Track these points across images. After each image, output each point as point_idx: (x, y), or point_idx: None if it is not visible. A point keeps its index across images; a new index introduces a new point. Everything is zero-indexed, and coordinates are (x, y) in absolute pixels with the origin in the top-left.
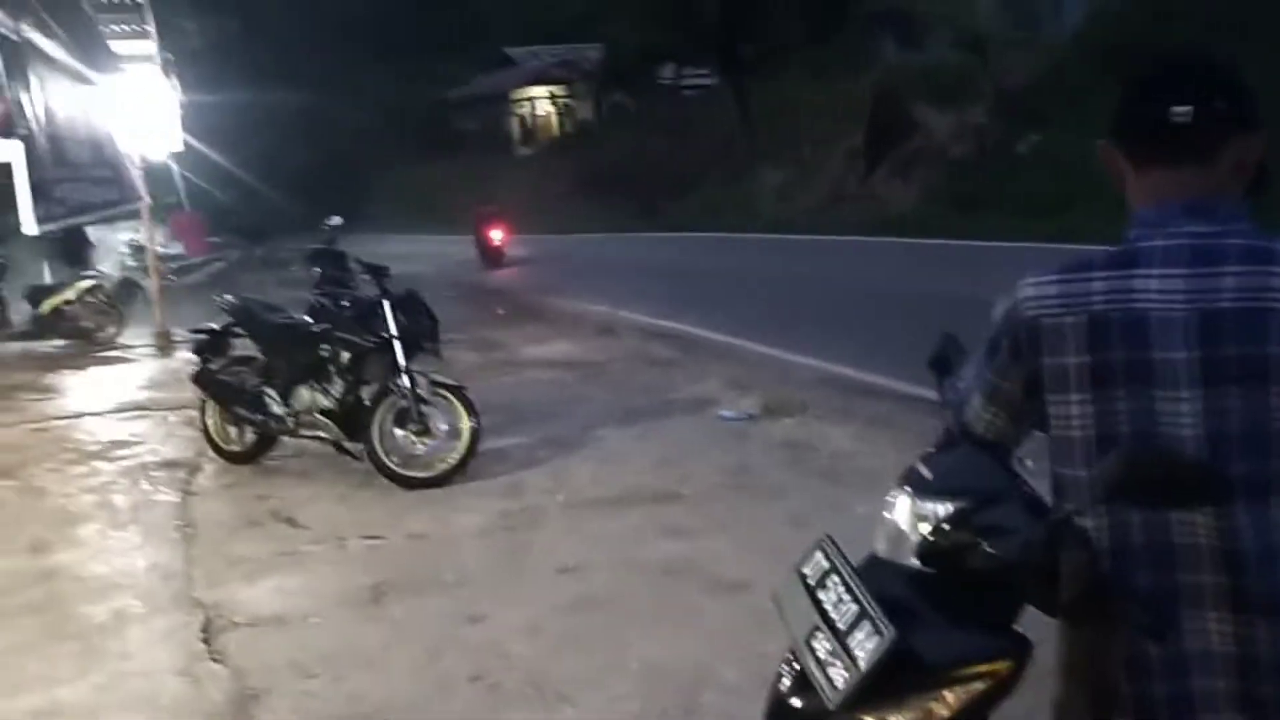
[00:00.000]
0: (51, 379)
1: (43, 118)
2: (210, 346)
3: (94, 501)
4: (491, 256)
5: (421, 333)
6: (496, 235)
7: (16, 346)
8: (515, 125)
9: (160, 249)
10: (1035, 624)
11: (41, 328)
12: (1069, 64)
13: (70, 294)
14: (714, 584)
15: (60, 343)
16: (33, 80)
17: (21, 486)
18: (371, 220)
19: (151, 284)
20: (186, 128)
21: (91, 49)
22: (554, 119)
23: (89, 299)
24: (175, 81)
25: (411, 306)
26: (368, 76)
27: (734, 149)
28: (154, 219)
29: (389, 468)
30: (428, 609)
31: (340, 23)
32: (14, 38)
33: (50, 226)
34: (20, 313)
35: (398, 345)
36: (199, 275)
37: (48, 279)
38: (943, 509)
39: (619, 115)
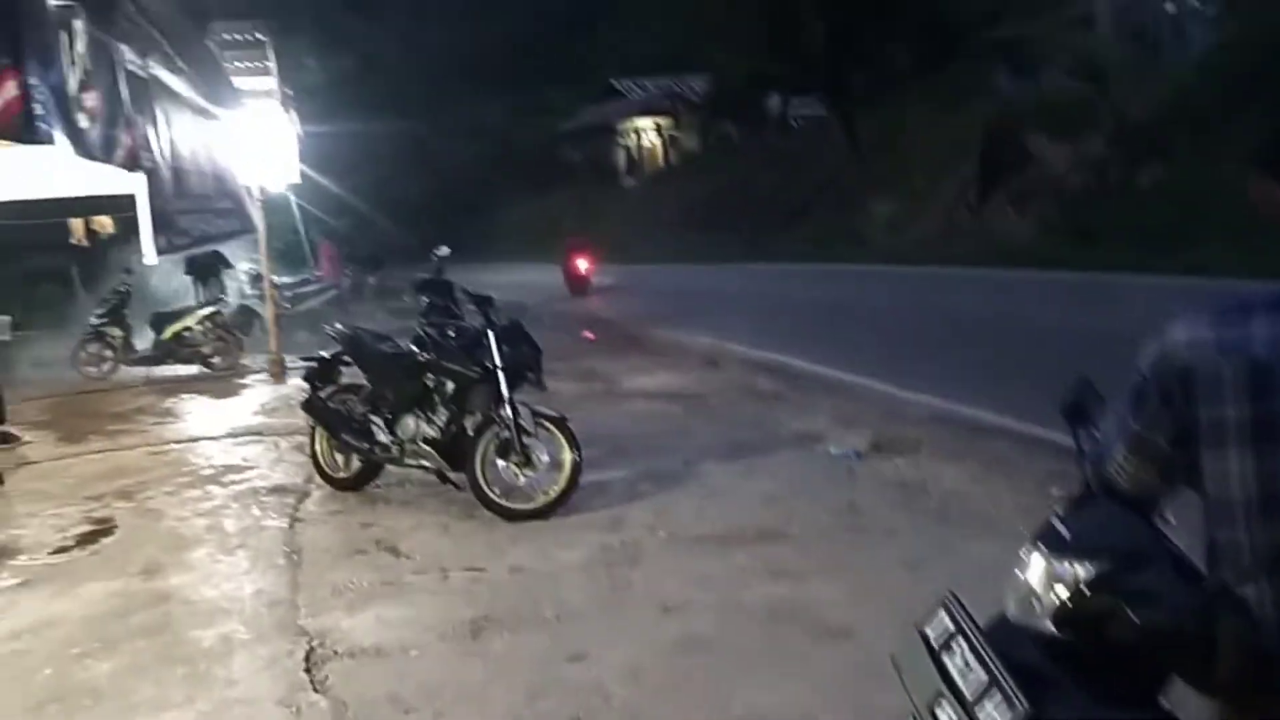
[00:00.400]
0: (171, 403)
1: (167, 151)
2: (320, 374)
3: (206, 525)
4: (577, 284)
5: (525, 363)
6: (582, 264)
7: (140, 371)
8: (621, 156)
9: (275, 278)
10: (1186, 701)
11: (163, 353)
12: (1193, 92)
13: (191, 321)
14: (821, 629)
15: (181, 368)
16: (158, 114)
17: (138, 509)
18: (479, 250)
19: (267, 312)
20: (304, 159)
21: (216, 84)
22: (660, 150)
23: (208, 326)
24: (294, 116)
25: (515, 337)
26: (478, 109)
27: (842, 179)
28: (271, 249)
29: (490, 499)
30: (528, 645)
31: (452, 58)
32: (141, 74)
33: (172, 256)
34: (144, 338)
35: (501, 376)
36: (313, 303)
37: (192, 300)
38: (1082, 571)
39: (725, 146)
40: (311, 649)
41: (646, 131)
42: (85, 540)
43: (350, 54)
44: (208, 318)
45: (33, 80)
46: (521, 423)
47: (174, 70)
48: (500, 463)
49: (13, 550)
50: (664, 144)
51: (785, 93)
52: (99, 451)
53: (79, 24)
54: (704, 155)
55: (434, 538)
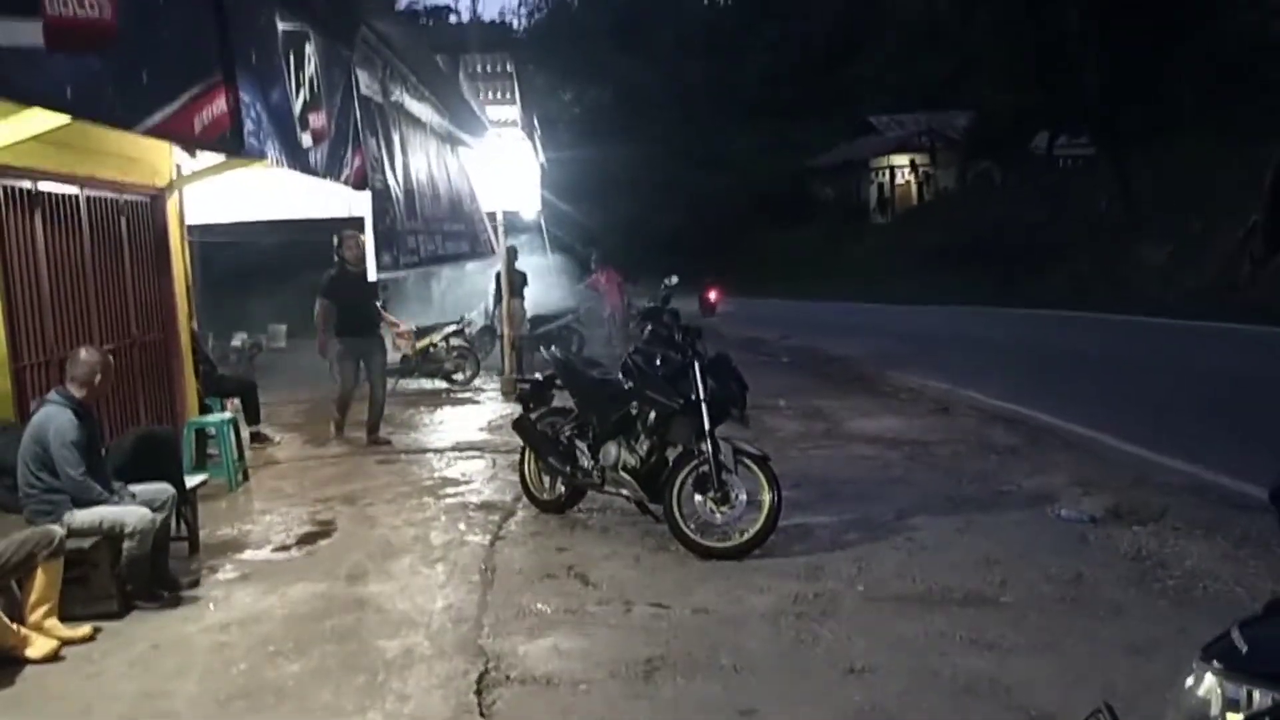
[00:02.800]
0: (410, 414)
1: (400, 173)
2: (534, 396)
3: (414, 535)
4: (706, 309)
5: (730, 398)
6: (712, 295)
7: (389, 383)
8: (873, 193)
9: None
10: None
11: (410, 365)
12: None
13: (436, 337)
14: (1023, 712)
15: (425, 381)
16: (395, 138)
17: (357, 514)
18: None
19: (507, 332)
20: (558, 187)
21: (460, 111)
22: (914, 187)
23: (451, 343)
24: (538, 145)
25: (721, 371)
26: (732, 142)
27: (1109, 222)
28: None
29: (684, 533)
30: (699, 693)
31: (709, 90)
32: (378, 99)
33: (399, 273)
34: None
35: (704, 408)
36: (552, 326)
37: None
38: (1261, 696)
39: (984, 184)
40: (485, 671)
41: (901, 168)
42: (305, 540)
43: (611, 85)
44: (452, 334)
45: (246, 98)
46: (721, 458)
47: (418, 97)
48: (698, 497)
49: (241, 544)
50: (919, 181)
51: (1054, 130)
52: (336, 456)
53: (310, 48)
54: (961, 193)
55: (624, 568)
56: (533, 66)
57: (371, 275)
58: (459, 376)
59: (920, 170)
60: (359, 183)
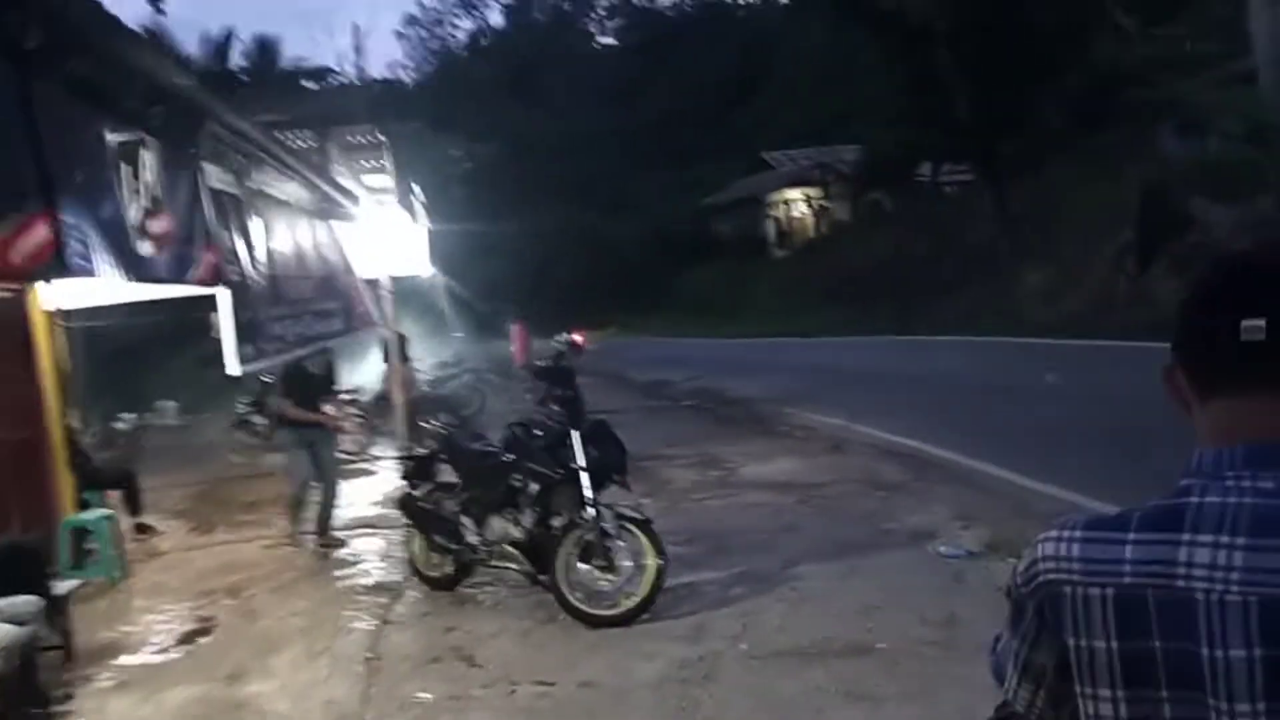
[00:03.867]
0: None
1: (264, 260)
2: (417, 471)
3: (298, 627)
4: (575, 350)
5: (610, 464)
6: (578, 338)
7: (278, 457)
8: (771, 228)
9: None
10: None
11: None
12: None
13: None
14: None
15: None
16: (255, 226)
17: (240, 607)
18: (635, 326)
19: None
20: (458, 244)
21: (332, 185)
22: (810, 220)
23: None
24: (417, 208)
25: (601, 437)
26: (631, 187)
27: (993, 249)
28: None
29: (571, 603)
30: None
31: (606, 137)
32: (231, 190)
33: (259, 364)
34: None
35: (585, 477)
36: (455, 385)
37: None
38: None
39: (876, 214)
40: None
41: (796, 202)
42: (185, 640)
43: (507, 135)
44: (344, 405)
45: (70, 220)
46: (604, 526)
47: (283, 177)
48: (583, 566)
49: (119, 648)
50: (814, 214)
51: (937, 160)
52: (222, 543)
53: (147, 154)
54: (855, 225)
55: (512, 645)
56: (421, 123)
57: (235, 371)
58: (354, 446)
59: (815, 204)
60: (211, 280)
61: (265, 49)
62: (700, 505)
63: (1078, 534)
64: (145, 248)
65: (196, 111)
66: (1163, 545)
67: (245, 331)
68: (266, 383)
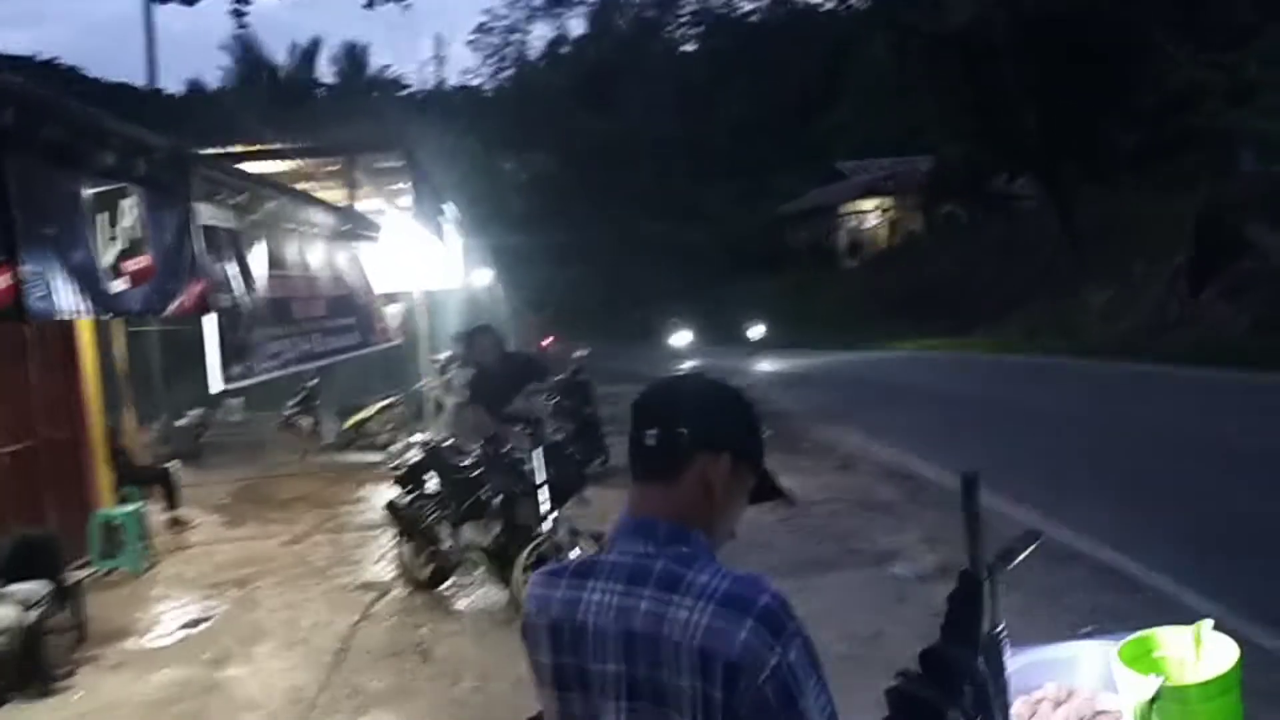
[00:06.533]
0: (332, 491)
1: (262, 285)
2: (408, 479)
3: (286, 618)
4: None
5: (569, 483)
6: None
7: (323, 459)
8: (843, 238)
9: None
10: None
11: (345, 441)
12: None
13: (368, 412)
14: None
15: (357, 456)
16: (254, 255)
17: (243, 599)
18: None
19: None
20: (512, 256)
21: (350, 213)
22: (882, 231)
23: (385, 416)
24: (450, 227)
25: (557, 458)
26: (703, 196)
27: (1059, 265)
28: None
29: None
30: None
31: (679, 147)
32: (228, 225)
33: (249, 381)
34: (334, 429)
35: (542, 492)
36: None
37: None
38: None
39: (950, 227)
40: None
41: (869, 213)
42: (185, 626)
43: (581, 147)
44: (384, 409)
45: (36, 268)
46: (557, 539)
47: (295, 205)
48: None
49: (127, 632)
50: (887, 226)
51: (1002, 175)
52: (247, 538)
53: (129, 202)
54: (927, 237)
55: (468, 644)
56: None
57: (217, 387)
58: (394, 449)
59: (888, 215)
60: (198, 308)
61: (354, 55)
62: None
63: (546, 577)
64: (118, 285)
65: (182, 162)
66: (579, 588)
67: (236, 351)
68: (310, 387)
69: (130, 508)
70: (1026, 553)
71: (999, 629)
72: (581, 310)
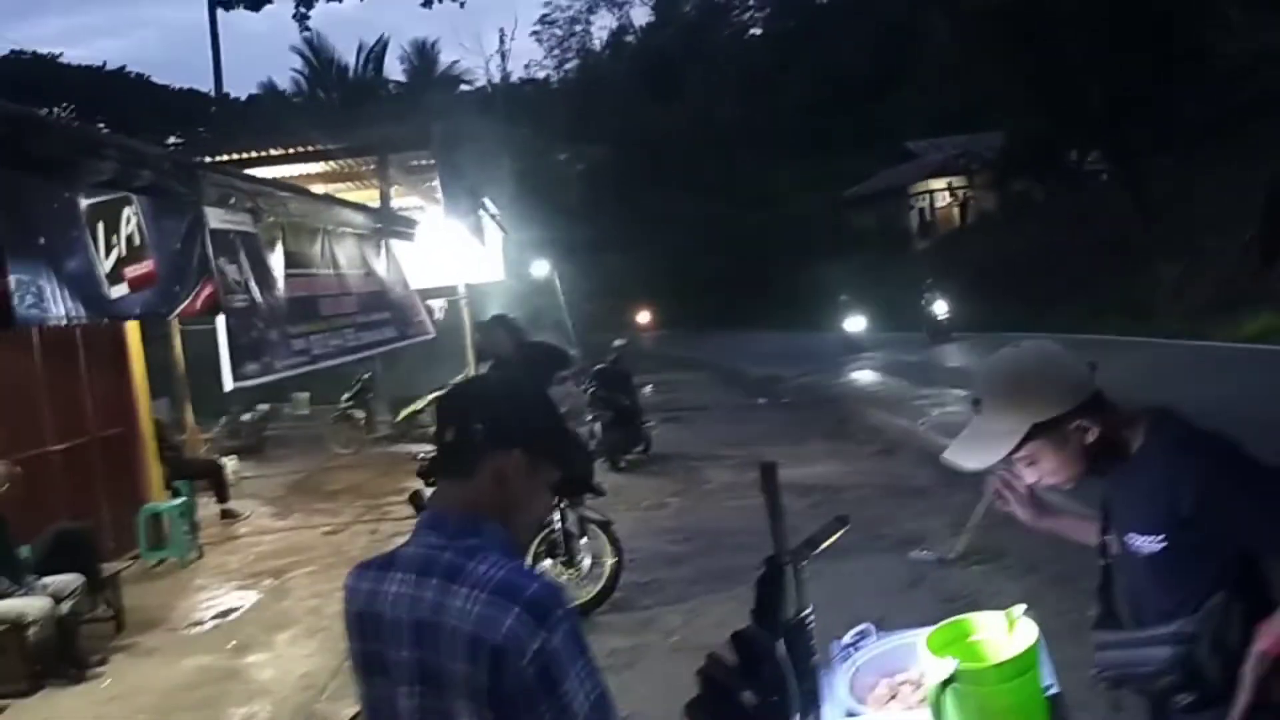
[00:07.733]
0: (379, 482)
1: (281, 284)
2: (432, 470)
3: (311, 607)
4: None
5: (581, 470)
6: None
7: (376, 450)
8: (914, 219)
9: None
10: None
11: (398, 432)
12: None
13: (421, 403)
14: None
15: (409, 447)
16: (273, 256)
17: (277, 588)
18: (762, 320)
19: None
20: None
21: (384, 211)
22: (954, 210)
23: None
24: (486, 220)
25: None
26: (769, 179)
27: (1128, 241)
28: None
29: None
30: None
31: (744, 130)
32: (242, 228)
33: (269, 378)
34: (388, 421)
35: None
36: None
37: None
38: None
39: (1022, 204)
40: None
41: (940, 192)
42: (218, 615)
43: (646, 134)
44: (435, 400)
45: (26, 277)
46: (567, 526)
47: (320, 207)
48: (548, 561)
49: (162, 621)
50: (959, 204)
51: (1070, 148)
52: (292, 529)
53: (130, 210)
54: (1000, 215)
55: None
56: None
57: (228, 385)
58: None
59: (959, 193)
60: (208, 309)
61: (425, 53)
62: (719, 506)
63: (358, 570)
64: (117, 291)
65: (190, 170)
66: (379, 579)
67: (250, 350)
68: (365, 379)
69: (177, 501)
70: (831, 540)
71: (806, 613)
72: (656, 296)
